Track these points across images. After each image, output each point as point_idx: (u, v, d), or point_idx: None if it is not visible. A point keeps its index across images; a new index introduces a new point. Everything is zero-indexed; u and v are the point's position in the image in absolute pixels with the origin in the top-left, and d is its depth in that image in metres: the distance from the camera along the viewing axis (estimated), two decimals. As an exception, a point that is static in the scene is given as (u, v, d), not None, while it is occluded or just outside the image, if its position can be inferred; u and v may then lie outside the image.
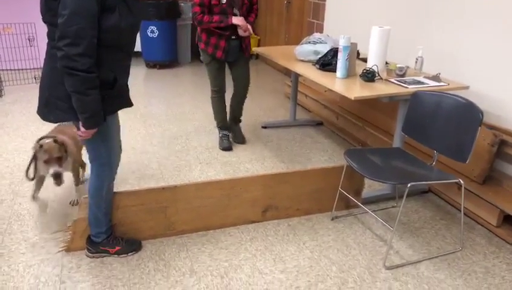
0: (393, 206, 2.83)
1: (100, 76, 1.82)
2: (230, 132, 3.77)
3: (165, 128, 4.05)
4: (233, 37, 3.34)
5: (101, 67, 1.81)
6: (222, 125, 3.70)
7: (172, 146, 3.68)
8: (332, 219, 2.68)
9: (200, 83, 5.63)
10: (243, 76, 3.58)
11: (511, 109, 2.75)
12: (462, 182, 2.30)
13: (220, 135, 3.71)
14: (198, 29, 3.40)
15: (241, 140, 3.76)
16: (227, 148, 3.61)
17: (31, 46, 5.52)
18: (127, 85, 2.09)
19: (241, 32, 3.30)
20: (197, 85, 5.56)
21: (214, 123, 3.76)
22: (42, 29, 5.46)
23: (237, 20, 3.22)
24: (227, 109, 3.74)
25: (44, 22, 1.84)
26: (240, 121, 3.83)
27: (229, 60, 3.46)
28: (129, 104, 2.11)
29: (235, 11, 3.27)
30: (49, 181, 2.99)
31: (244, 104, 3.73)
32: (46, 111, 1.92)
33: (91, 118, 1.85)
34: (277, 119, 4.25)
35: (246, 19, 3.30)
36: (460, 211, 2.43)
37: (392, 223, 2.40)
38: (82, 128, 1.89)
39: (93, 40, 1.73)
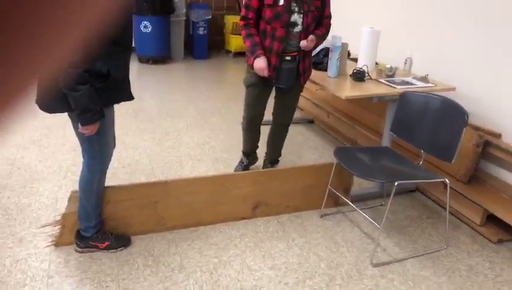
0: (381, 205, 2.88)
1: (94, 69, 1.83)
2: (253, 160, 3.19)
3: (156, 123, 4.05)
4: (287, 58, 2.61)
5: (94, 60, 1.82)
6: (246, 151, 3.12)
7: (163, 142, 3.68)
8: (322, 216, 2.71)
9: (192, 80, 5.63)
10: (290, 108, 2.90)
11: (495, 110, 2.80)
12: (447, 181, 2.35)
13: (240, 159, 3.18)
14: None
15: None
16: None
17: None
18: (127, 78, 2.08)
19: (302, 45, 2.54)
20: (189, 81, 5.57)
21: (207, 120, 3.74)
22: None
23: (259, 62, 2.53)
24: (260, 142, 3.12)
25: None
26: (277, 162, 3.15)
27: (280, 85, 2.74)
28: (128, 97, 2.10)
29: (295, 18, 2.51)
30: (40, 172, 3.00)
31: (235, 100, 3.48)
32: (41, 101, 1.93)
33: (83, 113, 1.86)
34: (268, 117, 4.27)
35: (310, 30, 2.57)
36: (446, 210, 2.48)
37: (380, 221, 2.44)
38: (80, 126, 1.90)
39: None
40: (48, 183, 2.91)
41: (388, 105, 2.82)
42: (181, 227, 2.52)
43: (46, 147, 3.42)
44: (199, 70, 6.14)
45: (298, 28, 2.54)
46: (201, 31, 6.59)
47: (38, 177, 2.97)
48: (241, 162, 3.19)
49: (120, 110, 2.09)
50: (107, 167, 2.20)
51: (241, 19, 2.64)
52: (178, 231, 2.50)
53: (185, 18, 6.49)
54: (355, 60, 3.29)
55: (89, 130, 1.92)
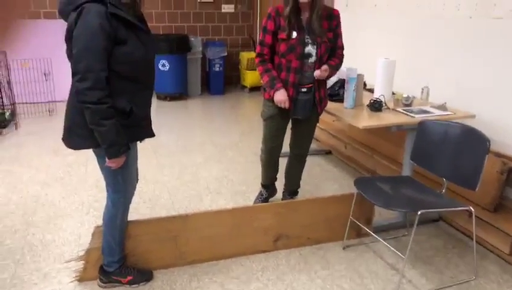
0: (404, 235, 2.82)
1: (116, 106, 1.88)
2: (272, 193, 3.21)
3: (175, 158, 4.10)
4: (303, 89, 2.67)
5: (117, 97, 1.89)
6: (265, 183, 3.15)
7: (182, 176, 3.72)
8: (344, 248, 2.67)
9: (209, 115, 5.73)
10: (307, 138, 2.94)
11: (518, 136, 2.77)
12: (472, 209, 2.30)
13: (259, 191, 3.20)
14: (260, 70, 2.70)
15: None
16: None
17: (46, 80, 5.70)
18: (148, 116, 2.13)
19: (316, 74, 2.58)
20: (206, 117, 5.66)
21: (224, 153, 3.78)
22: (57, 65, 5.67)
23: (280, 95, 2.59)
24: (278, 173, 3.13)
25: (69, 59, 1.94)
26: (297, 193, 3.18)
27: (297, 117, 2.77)
28: (149, 134, 2.13)
29: (309, 49, 2.56)
30: (64, 208, 3.04)
31: (252, 133, 3.37)
32: (67, 136, 1.99)
33: (110, 147, 1.89)
34: (285, 149, 4.30)
35: (324, 60, 2.62)
36: (472, 239, 2.42)
37: (404, 252, 2.39)
38: (107, 159, 1.94)
39: (100, 73, 1.80)
40: (71, 219, 2.95)
41: (407, 134, 2.82)
42: (202, 261, 2.50)
43: (68, 184, 3.49)
44: (216, 105, 6.25)
45: (312, 59, 2.60)
46: (217, 68, 6.75)
47: (61, 214, 3.02)
48: (261, 194, 3.20)
49: (140, 145, 2.15)
50: (130, 202, 2.23)
51: (256, 56, 2.71)
52: (199, 264, 2.49)
53: (201, 56, 6.67)
54: (371, 90, 3.32)
55: (116, 163, 1.96)
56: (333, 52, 2.68)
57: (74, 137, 1.97)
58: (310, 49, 2.57)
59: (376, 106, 2.91)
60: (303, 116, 2.74)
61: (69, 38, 1.86)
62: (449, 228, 2.91)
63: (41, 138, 4.59)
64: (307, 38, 2.56)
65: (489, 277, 2.41)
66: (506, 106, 2.84)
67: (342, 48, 2.73)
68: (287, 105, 2.61)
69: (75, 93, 1.82)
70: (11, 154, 4.16)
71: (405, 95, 3.00)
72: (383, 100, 2.95)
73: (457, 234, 2.84)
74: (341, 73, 3.31)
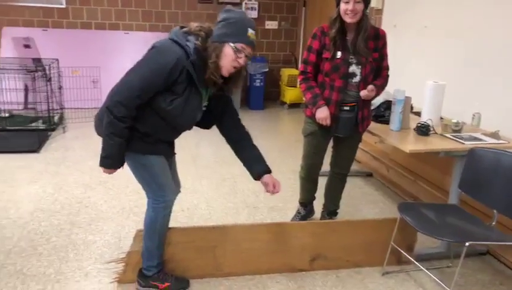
0: (448, 266, 2.71)
1: (140, 129, 1.97)
2: (309, 213, 3.17)
3: (213, 170, 4.14)
4: (346, 108, 2.64)
5: (144, 124, 1.97)
6: (303, 201, 3.12)
7: (220, 188, 3.74)
8: (383, 274, 2.59)
9: (248, 129, 5.76)
10: (348, 158, 2.90)
11: None
12: (525, 244, 2.19)
13: (297, 209, 3.17)
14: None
15: None
16: None
17: (94, 87, 5.92)
18: (172, 142, 2.20)
19: (363, 94, 2.56)
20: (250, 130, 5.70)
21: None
22: (105, 73, 5.89)
23: (322, 112, 2.59)
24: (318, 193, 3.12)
25: None
26: (336, 214, 3.11)
27: (339, 135, 2.75)
28: (170, 154, 2.20)
29: (353, 69, 2.56)
30: (105, 211, 3.12)
31: (291, 151, 3.30)
32: (96, 123, 2.09)
33: (105, 158, 1.99)
34: (325, 169, 4.25)
35: (369, 80, 2.60)
36: (523, 275, 2.29)
37: (448, 283, 2.29)
38: (99, 164, 2.03)
39: (136, 99, 1.88)
40: (112, 222, 3.02)
41: (455, 161, 2.73)
42: (238, 274, 2.49)
43: (110, 188, 3.58)
44: (255, 120, 6.28)
45: (357, 79, 2.59)
46: (258, 83, 6.82)
47: (103, 216, 3.10)
48: (298, 212, 3.17)
49: (180, 155, 2.21)
50: (170, 209, 2.24)
51: (300, 74, 2.73)
52: (234, 278, 2.47)
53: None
54: (418, 113, 3.24)
55: (106, 172, 2.05)
56: (378, 73, 2.66)
57: (100, 129, 2.05)
58: (355, 69, 2.56)
59: (423, 130, 2.84)
60: (344, 134, 2.72)
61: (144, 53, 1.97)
62: (497, 263, 2.77)
63: (87, 142, 4.75)
64: (351, 59, 2.55)
65: (540, 317, 2.27)
66: None
67: (387, 68, 2.71)
68: (328, 122, 2.61)
69: (108, 96, 1.92)
70: (58, 155, 4.33)
71: (454, 121, 2.92)
72: (430, 124, 2.88)
73: (506, 271, 2.70)
74: (388, 94, 3.27)
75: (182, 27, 1.98)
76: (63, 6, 6.49)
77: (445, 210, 2.54)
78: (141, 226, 2.28)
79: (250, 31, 1.90)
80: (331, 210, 3.10)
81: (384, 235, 2.61)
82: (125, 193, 3.47)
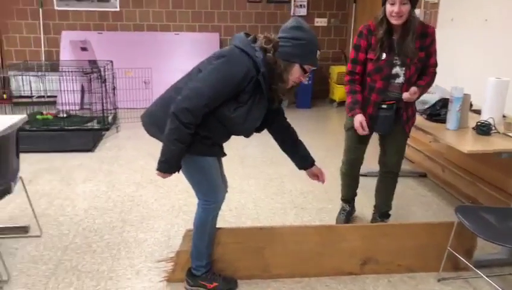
0: (510, 273, 2.53)
1: (200, 132, 1.97)
2: (352, 209, 3.15)
3: (261, 169, 4.13)
4: (383, 106, 2.60)
5: (205, 128, 1.97)
6: (345, 198, 3.13)
7: (268, 188, 3.72)
8: (439, 280, 2.46)
9: (295, 128, 5.70)
10: (394, 155, 2.81)
11: None
12: None
13: (342, 207, 3.16)
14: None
15: None
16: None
17: (146, 88, 6.10)
18: (221, 143, 2.19)
19: (405, 97, 2.52)
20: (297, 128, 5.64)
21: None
22: (157, 74, 6.06)
23: (356, 121, 2.60)
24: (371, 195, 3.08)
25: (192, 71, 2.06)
26: (388, 215, 3.01)
27: (377, 132, 2.74)
28: (221, 155, 2.20)
29: (397, 70, 2.52)
30: (156, 209, 3.19)
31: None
32: (148, 121, 2.11)
33: (163, 163, 1.98)
34: (376, 168, 4.12)
35: (413, 81, 2.55)
36: None
37: (511, 293, 2.15)
38: (156, 168, 2.02)
39: (204, 108, 1.89)
40: (162, 220, 3.08)
41: (519, 161, 2.54)
42: (286, 276, 2.46)
43: (161, 186, 3.66)
44: (302, 119, 6.20)
45: (400, 80, 2.55)
46: (306, 81, 6.73)
47: (154, 215, 3.17)
48: (343, 209, 3.14)
49: (228, 155, 2.21)
50: (220, 208, 2.25)
51: (347, 74, 2.69)
52: (283, 280, 2.44)
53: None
54: (478, 112, 3.06)
55: (162, 176, 2.04)
56: (424, 70, 2.58)
57: (153, 127, 2.08)
58: (398, 70, 2.52)
59: (484, 129, 2.67)
60: (383, 132, 2.71)
61: (210, 59, 1.98)
62: None
63: (139, 141, 4.89)
64: (396, 60, 2.51)
65: None
66: None
67: (435, 65, 2.62)
68: (360, 132, 2.61)
69: (175, 102, 1.90)
70: (111, 154, 4.49)
71: (519, 119, 2.72)
72: (492, 123, 2.70)
73: None
74: (444, 92, 3.11)
75: (246, 34, 2.01)
76: (117, 9, 6.74)
77: (508, 214, 2.37)
78: (190, 225, 2.31)
79: (318, 53, 1.99)
80: (382, 211, 3.00)
81: (439, 239, 2.48)
82: (174, 192, 3.54)
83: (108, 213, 3.18)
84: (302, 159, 2.40)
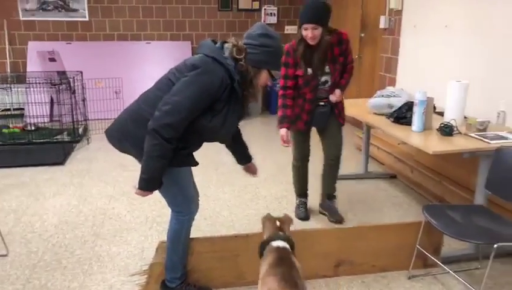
0: (476, 268, 2.63)
1: (178, 145, 1.96)
2: (307, 199, 3.43)
3: (235, 176, 4.13)
4: (321, 103, 3.02)
5: (181, 139, 1.96)
6: (299, 192, 3.39)
7: (242, 195, 3.74)
8: (409, 278, 2.53)
9: (269, 134, 5.75)
10: (333, 148, 3.17)
11: None
12: (558, 246, 2.10)
13: (297, 201, 3.40)
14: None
15: (337, 218, 3.22)
16: (303, 218, 3.27)
17: (117, 98, 6.03)
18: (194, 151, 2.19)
19: (332, 99, 2.98)
20: (266, 135, 5.69)
21: (284, 173, 3.78)
22: (127, 84, 5.99)
23: (281, 133, 3.02)
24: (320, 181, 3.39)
25: (168, 73, 2.05)
26: (334, 197, 3.36)
27: (315, 126, 3.14)
28: (193, 164, 2.17)
29: (325, 78, 2.93)
30: (129, 222, 3.16)
31: (314, 155, 3.34)
32: (116, 137, 2.12)
33: (147, 181, 1.94)
34: (348, 171, 4.19)
35: (338, 81, 2.98)
36: (558, 278, 2.19)
37: (476, 286, 2.22)
38: (136, 186, 1.97)
39: (185, 121, 1.89)
40: (136, 233, 3.05)
41: (481, 161, 2.64)
42: (261, 282, 2.47)
43: (134, 198, 3.61)
44: (276, 124, 6.25)
45: (327, 85, 2.98)
46: (278, 88, 6.78)
47: (127, 227, 3.14)
48: (301, 203, 3.37)
49: (202, 163, 2.19)
50: (193, 219, 2.26)
51: (280, 88, 3.02)
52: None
53: None
54: (441, 114, 3.17)
55: (142, 194, 1.99)
56: (344, 68, 3.00)
57: (125, 143, 2.07)
58: (325, 78, 2.95)
59: (447, 130, 2.77)
60: (320, 126, 3.13)
61: (182, 66, 1.98)
62: (529, 265, 2.67)
63: (110, 153, 4.78)
64: (319, 72, 2.90)
65: None
66: None
67: (352, 62, 3.04)
68: (282, 143, 3.04)
69: (154, 118, 1.87)
70: (82, 167, 4.42)
71: (479, 120, 2.83)
72: (454, 124, 2.81)
73: (539, 272, 2.60)
74: (409, 95, 3.21)
75: (213, 41, 2.03)
76: (86, 19, 6.65)
77: (471, 211, 2.46)
78: (164, 236, 2.30)
79: (283, 58, 2.10)
80: (328, 193, 3.33)
81: (410, 238, 2.56)
82: (148, 203, 3.51)
83: (80, 227, 3.13)
84: (243, 155, 2.56)
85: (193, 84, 1.89)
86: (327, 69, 2.91)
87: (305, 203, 3.36)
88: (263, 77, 2.05)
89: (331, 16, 2.83)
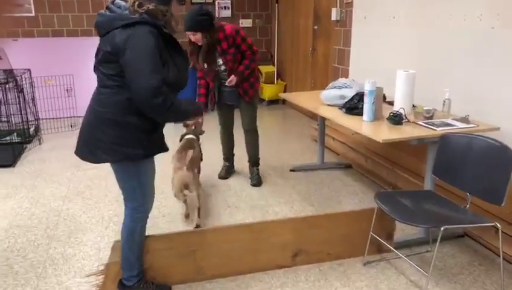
0: (427, 251, 2.75)
1: (142, 125, 1.94)
2: (231, 166, 4.10)
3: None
4: (225, 84, 3.58)
5: (143, 116, 1.92)
6: (225, 156, 4.07)
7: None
8: (365, 264, 2.62)
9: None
10: (246, 117, 3.79)
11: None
12: (499, 225, 2.23)
13: (223, 164, 4.09)
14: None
15: (255, 182, 3.83)
16: (222, 177, 3.98)
17: (68, 96, 5.83)
18: (163, 132, 2.17)
19: (227, 83, 3.53)
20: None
21: (242, 165, 3.85)
22: (79, 81, 5.80)
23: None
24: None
25: (96, 70, 1.98)
26: (257, 164, 3.96)
27: (226, 103, 3.74)
28: (165, 149, 2.16)
29: (222, 68, 3.51)
30: (84, 222, 3.08)
31: (272, 147, 3.72)
32: (86, 151, 2.01)
33: (189, 114, 2.15)
34: (305, 163, 4.26)
35: (235, 68, 3.47)
36: (499, 255, 2.33)
37: (427, 269, 2.32)
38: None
39: (164, 87, 1.88)
40: (91, 233, 2.98)
41: (428, 147, 2.76)
42: (220, 276, 2.48)
43: (89, 198, 3.53)
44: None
45: (226, 72, 3.52)
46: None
47: (82, 228, 3.06)
48: (224, 166, 4.06)
49: (158, 159, 2.16)
50: (148, 217, 2.23)
51: (198, 78, 3.69)
52: (217, 280, 2.47)
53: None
54: (391, 103, 3.27)
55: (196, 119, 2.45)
56: (243, 56, 3.47)
57: (95, 151, 1.99)
58: (223, 67, 3.50)
59: (396, 119, 2.87)
60: (230, 102, 3.73)
61: (111, 54, 1.89)
62: (475, 244, 2.82)
63: (64, 152, 4.68)
64: (214, 65, 3.47)
65: (517, 295, 2.32)
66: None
67: (248, 49, 3.47)
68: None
69: (137, 102, 1.86)
70: (34, 168, 4.25)
71: (426, 108, 2.95)
72: (403, 113, 2.91)
73: (484, 251, 2.75)
74: (360, 86, 3.29)
75: (109, 10, 1.95)
76: (32, 14, 6.37)
77: (420, 196, 2.57)
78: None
79: None
80: (253, 161, 3.93)
81: (364, 225, 2.64)
82: (104, 203, 3.43)
83: (32, 230, 3.02)
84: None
85: (144, 56, 1.84)
86: (220, 61, 3.46)
87: (227, 166, 4.05)
88: (174, 8, 2.04)
89: (211, 18, 3.26)
